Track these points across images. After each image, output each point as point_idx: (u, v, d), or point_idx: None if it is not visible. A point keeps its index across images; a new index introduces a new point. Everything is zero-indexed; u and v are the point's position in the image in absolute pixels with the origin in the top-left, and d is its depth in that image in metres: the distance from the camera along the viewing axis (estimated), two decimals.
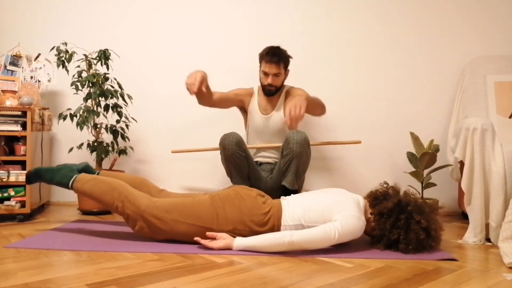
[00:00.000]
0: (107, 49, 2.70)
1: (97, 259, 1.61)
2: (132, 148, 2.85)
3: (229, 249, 1.74)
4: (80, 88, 2.63)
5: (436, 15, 3.00)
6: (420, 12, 3.01)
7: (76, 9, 3.04)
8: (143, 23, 3.06)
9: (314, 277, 1.44)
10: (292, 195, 2.01)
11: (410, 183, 2.60)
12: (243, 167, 2.39)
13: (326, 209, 1.78)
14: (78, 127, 2.56)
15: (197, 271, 1.48)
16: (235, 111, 2.80)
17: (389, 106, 3.01)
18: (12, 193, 2.37)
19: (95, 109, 2.66)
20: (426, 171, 2.66)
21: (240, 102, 2.70)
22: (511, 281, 1.44)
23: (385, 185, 1.93)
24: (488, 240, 2.04)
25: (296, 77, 2.91)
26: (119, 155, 2.76)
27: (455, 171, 2.59)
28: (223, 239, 1.76)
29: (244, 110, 2.74)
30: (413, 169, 2.69)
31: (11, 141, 2.46)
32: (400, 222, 1.77)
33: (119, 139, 2.76)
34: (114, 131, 2.73)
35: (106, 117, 2.74)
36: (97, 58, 2.69)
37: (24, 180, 2.36)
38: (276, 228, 1.82)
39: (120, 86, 2.72)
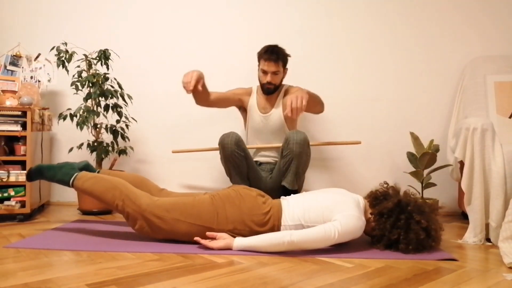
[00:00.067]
0: (107, 49, 2.70)
1: (97, 259, 1.61)
2: (132, 148, 2.85)
3: (229, 249, 1.74)
4: (80, 88, 2.63)
5: (436, 15, 3.00)
6: (420, 12, 3.01)
7: (76, 9, 3.04)
8: (143, 23, 3.06)
9: (314, 277, 1.44)
10: (292, 195, 2.01)
11: (410, 183, 2.60)
12: (242, 167, 2.39)
13: (326, 209, 1.78)
14: (78, 127, 2.56)
15: (197, 271, 1.48)
16: (235, 110, 2.80)
17: (389, 106, 3.01)
18: (12, 193, 2.37)
19: (95, 109, 2.66)
20: (426, 171, 2.66)
21: (239, 101, 2.70)
22: (511, 281, 1.44)
23: (385, 185, 1.93)
24: (488, 240, 2.04)
25: (296, 77, 2.91)
26: (119, 155, 2.76)
27: (455, 171, 2.59)
28: (223, 239, 1.76)
29: (243, 110, 2.75)
30: (413, 169, 2.69)
31: (11, 141, 2.46)
32: (400, 222, 1.77)
33: (119, 139, 2.76)
34: (114, 131, 2.73)
35: (106, 117, 2.74)
36: (97, 58, 2.69)
37: (24, 180, 2.37)
38: (276, 228, 1.83)
39: (120, 86, 2.72)
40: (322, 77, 3.02)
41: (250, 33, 3.03)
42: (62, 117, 2.63)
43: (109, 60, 2.71)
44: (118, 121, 2.77)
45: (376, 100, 3.02)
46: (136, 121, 2.86)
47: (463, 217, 2.66)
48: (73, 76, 2.67)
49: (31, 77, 2.84)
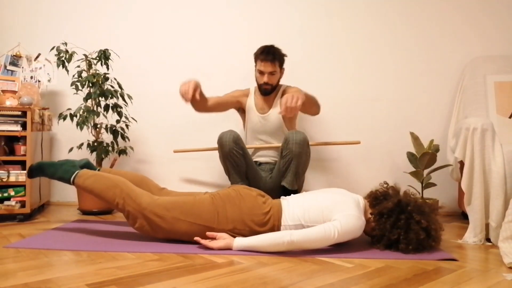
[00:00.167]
0: (107, 49, 2.70)
1: (97, 259, 1.61)
2: (132, 148, 2.85)
3: (229, 249, 1.74)
4: (80, 88, 2.63)
5: (436, 15, 3.00)
6: (420, 12, 3.01)
7: (76, 9, 3.04)
8: (143, 23, 3.06)
9: (314, 277, 1.44)
10: (292, 195, 2.01)
11: (410, 183, 2.60)
12: (241, 165, 2.39)
13: (326, 209, 1.78)
14: (78, 127, 2.56)
15: (197, 271, 1.48)
16: (234, 110, 2.80)
17: (389, 106, 3.01)
18: (12, 193, 2.37)
19: (95, 109, 2.66)
20: (426, 171, 2.66)
21: (237, 103, 2.70)
22: (511, 281, 1.44)
23: (385, 185, 1.93)
24: (488, 240, 2.04)
25: (296, 77, 2.91)
26: (119, 155, 2.76)
27: (455, 171, 2.59)
28: (223, 239, 1.76)
29: (242, 111, 2.75)
30: (413, 169, 2.69)
31: (11, 141, 2.46)
32: (400, 222, 1.77)
33: (119, 139, 2.76)
34: (114, 131, 2.73)
35: (106, 117, 2.74)
36: (97, 58, 2.69)
37: (24, 180, 2.37)
38: (276, 228, 1.83)
39: (120, 86, 2.72)
40: (322, 77, 3.03)
41: (250, 33, 3.03)
42: (62, 117, 2.63)
43: (109, 60, 2.71)
44: (118, 121, 2.77)
45: (376, 100, 3.02)
46: (136, 121, 2.86)
47: (463, 217, 2.66)
48: (73, 76, 2.67)
49: (31, 77, 2.84)
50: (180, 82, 2.29)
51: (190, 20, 3.06)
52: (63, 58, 2.62)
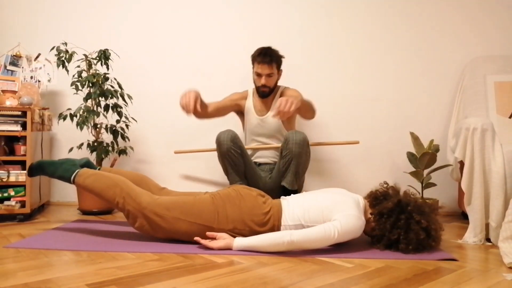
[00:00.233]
0: (107, 49, 2.70)
1: (97, 259, 1.61)
2: (132, 148, 2.85)
3: (229, 249, 1.74)
4: (80, 88, 2.63)
5: (436, 15, 3.00)
6: (420, 12, 3.01)
7: (76, 9, 3.04)
8: (143, 23, 3.06)
9: (314, 277, 1.44)
10: (292, 195, 2.01)
11: (410, 183, 2.60)
12: (239, 164, 2.39)
13: (326, 209, 1.78)
14: (78, 127, 2.56)
15: (197, 271, 1.48)
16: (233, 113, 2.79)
17: (389, 106, 3.01)
18: (12, 193, 2.37)
19: (95, 109, 2.66)
20: (426, 171, 2.66)
21: (236, 106, 2.69)
22: (511, 281, 1.44)
23: (385, 185, 1.93)
24: (488, 240, 2.04)
25: (296, 77, 2.92)
26: (119, 155, 2.76)
27: (455, 171, 2.59)
28: (223, 239, 1.76)
29: (241, 114, 2.74)
30: (413, 169, 2.69)
31: (11, 141, 2.46)
32: (400, 222, 1.77)
33: (119, 139, 2.76)
34: (114, 131, 2.73)
35: (106, 117, 2.74)
36: (97, 58, 2.69)
37: (24, 180, 2.37)
38: (276, 228, 1.83)
39: (120, 86, 2.72)
40: (322, 77, 3.03)
41: (250, 33, 3.03)
42: (62, 117, 2.63)
43: (109, 60, 2.71)
44: (118, 121, 2.77)
45: (376, 100, 3.02)
46: (136, 121, 2.86)
47: (463, 217, 2.66)
48: (73, 76, 2.67)
49: (31, 77, 2.84)
50: (180, 95, 2.28)
51: (190, 20, 3.06)
52: (63, 58, 2.62)
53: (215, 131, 2.48)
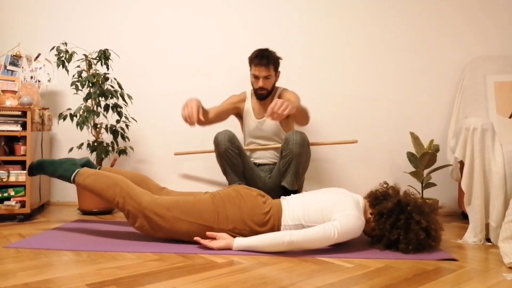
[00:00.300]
0: (107, 49, 2.70)
1: (97, 259, 1.61)
2: (132, 148, 2.85)
3: (229, 249, 1.74)
4: (80, 88, 2.63)
5: (436, 15, 3.00)
6: (420, 12, 3.01)
7: (76, 9, 3.05)
8: (143, 23, 3.06)
9: (314, 277, 1.44)
10: (292, 195, 2.01)
11: (410, 183, 2.60)
12: (237, 164, 2.39)
13: (325, 209, 1.78)
14: (78, 127, 2.56)
15: (197, 271, 1.48)
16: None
17: (389, 106, 3.01)
18: (12, 193, 2.37)
19: (95, 109, 2.66)
20: (426, 171, 2.66)
21: (236, 109, 2.67)
22: (511, 281, 1.44)
23: (385, 185, 1.93)
24: (488, 240, 2.04)
25: (295, 77, 2.92)
26: (119, 155, 2.76)
27: (455, 171, 2.59)
28: (223, 239, 1.76)
29: (240, 116, 2.73)
30: (413, 169, 2.69)
31: (11, 141, 2.46)
32: (400, 222, 1.77)
33: (119, 139, 2.76)
34: (114, 131, 2.73)
35: (106, 117, 2.74)
36: (97, 58, 2.69)
37: (24, 180, 2.37)
38: (276, 228, 1.83)
39: (120, 86, 2.72)
40: (322, 77, 3.03)
41: (250, 33, 3.03)
42: (62, 117, 2.63)
43: (109, 60, 2.71)
44: (118, 121, 2.77)
45: (376, 100, 3.02)
46: (136, 121, 2.86)
47: (463, 217, 2.66)
48: (73, 76, 2.67)
49: (31, 77, 2.84)
50: (181, 106, 2.22)
51: (190, 20, 3.06)
52: (63, 58, 2.62)
53: (215, 131, 2.48)
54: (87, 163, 2.11)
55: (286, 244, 1.69)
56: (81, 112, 2.59)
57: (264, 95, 2.55)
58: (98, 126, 2.73)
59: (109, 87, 2.69)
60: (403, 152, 2.77)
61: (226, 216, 1.81)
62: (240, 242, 1.74)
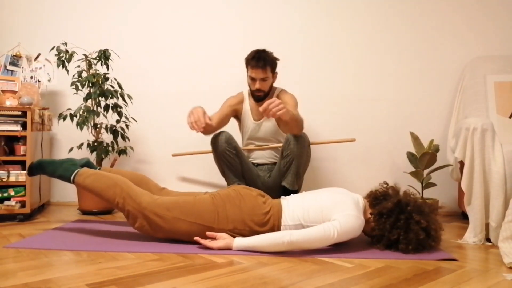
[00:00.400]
0: (107, 49, 2.70)
1: (97, 259, 1.61)
2: (132, 148, 2.85)
3: (229, 249, 1.74)
4: (80, 88, 2.63)
5: (436, 16, 3.00)
6: (420, 12, 3.01)
7: (76, 9, 3.05)
8: (143, 23, 3.06)
9: (314, 277, 1.44)
10: (292, 195, 2.01)
11: (410, 183, 2.60)
12: (235, 165, 2.39)
13: (325, 209, 1.78)
14: (78, 127, 2.56)
15: (197, 271, 1.48)
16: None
17: (389, 106, 3.01)
18: (12, 193, 2.37)
19: (95, 109, 2.66)
20: (426, 171, 2.66)
21: (235, 112, 2.65)
22: (511, 281, 1.44)
23: (385, 185, 1.93)
24: (488, 240, 2.04)
25: (295, 77, 2.92)
26: (119, 155, 2.76)
27: (455, 171, 2.59)
28: (223, 239, 1.76)
29: (237, 118, 2.71)
30: (413, 169, 2.69)
31: (11, 141, 2.46)
32: (400, 222, 1.77)
33: (119, 139, 2.76)
34: (114, 131, 2.73)
35: (106, 117, 2.74)
36: (97, 58, 2.69)
37: (24, 180, 2.37)
38: (276, 228, 1.83)
39: (120, 86, 2.72)
40: (322, 77, 3.03)
41: (250, 33, 3.04)
42: (62, 117, 2.63)
43: (109, 60, 2.71)
44: (118, 121, 2.77)
45: (376, 100, 3.02)
46: (136, 121, 2.86)
47: (463, 217, 2.66)
48: (73, 76, 2.67)
49: (31, 77, 2.84)
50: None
51: (190, 20, 3.06)
52: (63, 58, 2.62)
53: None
54: (87, 164, 2.11)
55: (286, 244, 1.69)
56: (81, 112, 2.59)
57: (261, 96, 2.54)
58: (98, 126, 2.73)
59: (109, 87, 2.69)
60: (403, 152, 2.77)
61: (226, 216, 1.81)
62: (240, 242, 1.74)
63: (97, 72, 2.67)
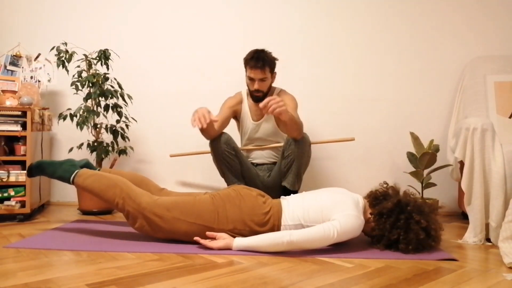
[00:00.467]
0: (107, 49, 2.70)
1: (97, 259, 1.61)
2: (132, 148, 2.85)
3: (229, 249, 1.74)
4: (80, 88, 2.63)
5: (436, 16, 3.00)
6: (420, 12, 3.01)
7: (76, 9, 3.05)
8: (143, 23, 3.06)
9: (314, 277, 1.44)
10: (292, 195, 2.01)
11: (410, 183, 2.60)
12: (235, 165, 2.39)
13: (325, 209, 1.78)
14: (78, 127, 2.56)
15: (197, 271, 1.48)
16: None
17: (389, 106, 3.01)
18: (12, 193, 2.37)
19: (95, 109, 2.66)
20: (426, 171, 2.66)
21: (234, 113, 2.63)
22: (511, 281, 1.44)
23: (385, 185, 1.93)
24: (488, 240, 2.04)
25: (295, 77, 2.92)
26: (119, 155, 2.76)
27: (455, 171, 2.59)
28: (222, 239, 1.76)
29: (236, 118, 2.70)
30: (413, 169, 2.69)
31: (11, 141, 2.46)
32: (399, 222, 1.77)
33: (119, 139, 2.76)
34: (114, 131, 2.73)
35: (106, 117, 2.74)
36: (97, 58, 2.69)
37: (24, 180, 2.37)
38: (276, 228, 1.83)
39: (120, 86, 2.72)
40: (322, 77, 3.03)
41: (250, 33, 3.04)
42: (62, 117, 2.63)
43: (109, 60, 2.71)
44: (118, 121, 2.77)
45: (376, 100, 3.02)
46: (136, 121, 2.86)
47: (463, 217, 2.66)
48: (73, 76, 2.67)
49: (31, 77, 2.84)
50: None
51: (190, 20, 3.06)
52: (63, 58, 2.62)
53: None
54: (86, 165, 2.10)
55: (285, 244, 1.69)
56: (81, 112, 2.59)
57: (260, 97, 2.51)
58: (98, 126, 2.73)
59: (109, 87, 2.69)
60: (403, 152, 2.77)
61: (226, 216, 1.81)
62: (240, 242, 1.74)
63: (97, 72, 2.67)
